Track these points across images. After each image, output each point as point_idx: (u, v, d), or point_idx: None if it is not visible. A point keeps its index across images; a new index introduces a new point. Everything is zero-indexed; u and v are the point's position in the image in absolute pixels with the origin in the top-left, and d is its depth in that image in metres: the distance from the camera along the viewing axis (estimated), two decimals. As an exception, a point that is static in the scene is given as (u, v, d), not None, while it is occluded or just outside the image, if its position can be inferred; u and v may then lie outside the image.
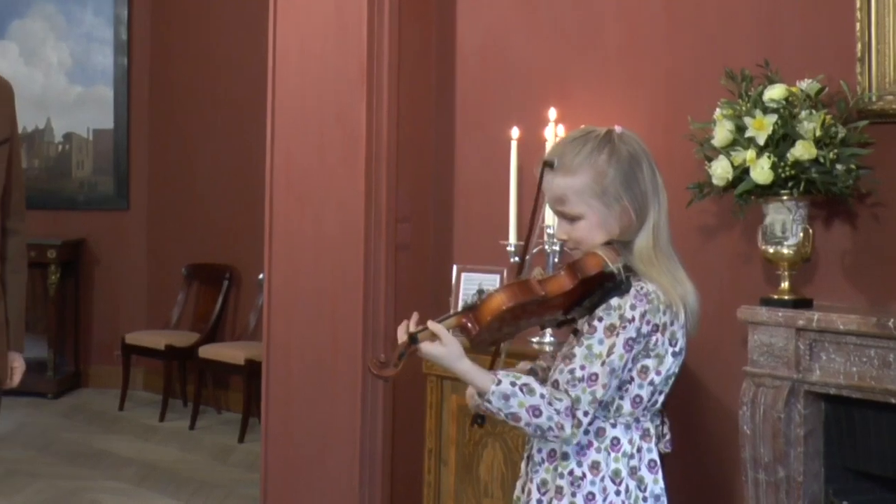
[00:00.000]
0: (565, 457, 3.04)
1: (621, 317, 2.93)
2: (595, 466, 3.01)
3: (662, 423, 3.13)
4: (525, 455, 3.19)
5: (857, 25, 4.60)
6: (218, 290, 9.41)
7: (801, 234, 4.53)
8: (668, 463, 5.17)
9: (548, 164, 3.05)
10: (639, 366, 2.99)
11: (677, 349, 3.04)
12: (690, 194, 4.84)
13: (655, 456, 3.08)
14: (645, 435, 3.05)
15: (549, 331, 4.98)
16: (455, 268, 5.58)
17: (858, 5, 4.60)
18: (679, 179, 5.03)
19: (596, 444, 3.02)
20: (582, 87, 5.58)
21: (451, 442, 5.21)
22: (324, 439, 6.08)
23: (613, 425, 3.02)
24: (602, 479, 3.01)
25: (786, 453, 4.46)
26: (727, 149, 4.61)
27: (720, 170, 4.61)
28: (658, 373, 3.01)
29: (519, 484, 3.21)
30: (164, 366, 9.21)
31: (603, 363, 2.92)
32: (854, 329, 4.24)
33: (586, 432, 3.00)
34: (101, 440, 8.48)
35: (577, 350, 2.95)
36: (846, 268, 4.67)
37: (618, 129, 3.10)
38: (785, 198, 4.52)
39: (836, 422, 4.44)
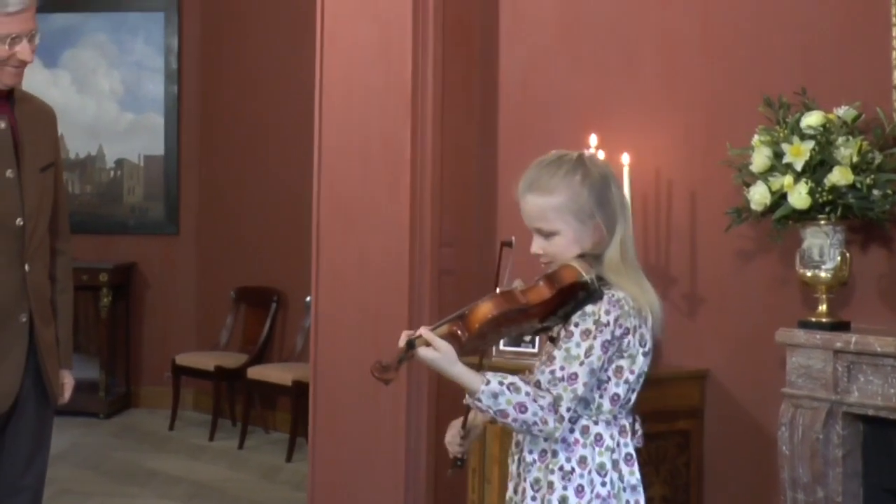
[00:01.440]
0: (555, 454, 3.25)
1: (597, 322, 3.16)
2: (583, 461, 3.23)
3: (634, 420, 3.32)
4: (515, 458, 3.38)
5: (894, 53, 4.64)
6: (266, 313, 9.46)
7: (839, 258, 4.57)
8: (709, 483, 5.25)
9: (506, 244, 3.32)
10: (614, 366, 3.21)
11: (647, 349, 3.25)
12: (729, 219, 4.89)
13: (631, 450, 3.29)
14: (622, 431, 3.27)
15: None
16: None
17: (895, 33, 4.64)
18: (717, 204, 5.11)
19: (582, 440, 3.23)
20: (622, 115, 5.63)
21: (494, 461, 5.26)
22: (369, 458, 6.13)
23: (596, 423, 3.23)
24: (589, 472, 3.23)
25: (824, 474, 4.48)
26: (765, 174, 4.66)
27: (758, 195, 4.65)
28: (632, 372, 3.23)
29: (511, 485, 3.40)
30: (213, 386, 9.27)
31: (581, 363, 3.14)
32: (891, 351, 4.28)
33: (572, 430, 3.22)
34: (152, 459, 8.54)
35: (556, 353, 3.17)
36: (883, 291, 4.70)
37: (587, 152, 3.35)
38: (822, 222, 4.56)
39: (874, 443, 4.47)
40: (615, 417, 3.25)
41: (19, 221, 3.97)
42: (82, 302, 9.57)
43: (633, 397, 3.29)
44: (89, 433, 9.21)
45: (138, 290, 10.35)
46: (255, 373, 8.79)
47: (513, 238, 3.33)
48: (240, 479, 8.10)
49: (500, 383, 3.13)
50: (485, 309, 3.18)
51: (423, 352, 3.16)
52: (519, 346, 5.31)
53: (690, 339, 5.34)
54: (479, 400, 3.14)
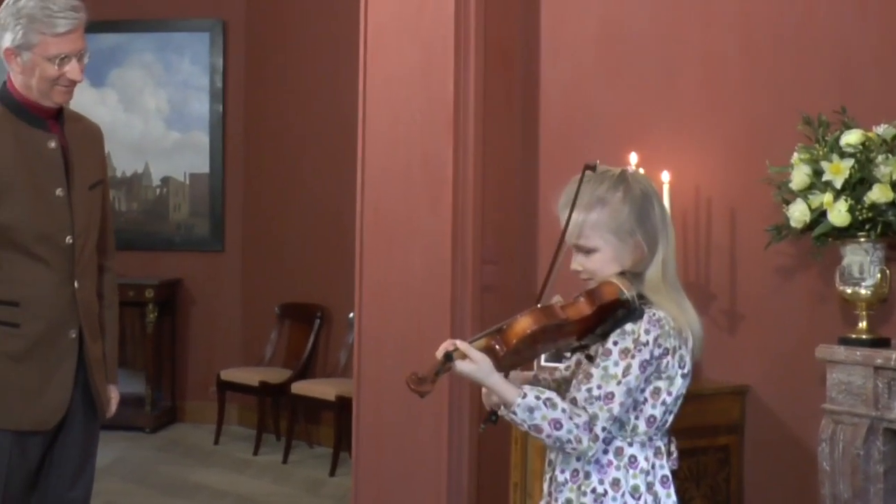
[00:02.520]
0: (588, 475, 3.20)
1: (636, 340, 3.10)
2: (616, 483, 3.18)
3: (670, 441, 3.28)
4: (547, 476, 3.34)
5: (932, 72, 4.68)
6: (310, 329, 9.49)
7: (878, 275, 4.59)
8: (749, 499, 5.27)
9: (590, 168, 3.24)
10: (651, 387, 3.16)
11: (685, 371, 3.19)
12: (768, 236, 4.91)
13: (667, 472, 3.24)
14: (657, 453, 3.22)
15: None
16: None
17: (933, 52, 4.69)
18: (757, 222, 5.13)
19: (615, 462, 3.19)
20: (662, 133, 5.65)
21: (536, 476, 5.26)
22: (412, 472, 6.15)
23: (630, 444, 3.19)
24: (623, 495, 3.18)
25: (865, 490, 4.49)
26: (804, 192, 4.68)
27: (798, 213, 4.67)
28: (669, 393, 3.17)
29: (542, 503, 3.36)
30: (257, 401, 9.31)
31: (619, 383, 3.09)
32: (931, 368, 4.31)
33: (605, 451, 3.18)
34: (197, 473, 8.57)
35: (593, 371, 3.12)
36: (922, 308, 4.73)
37: (630, 169, 3.31)
38: (862, 240, 4.58)
39: (914, 459, 4.49)
40: (650, 439, 3.21)
41: (69, 239, 4.01)
42: (129, 318, 9.64)
43: (670, 419, 3.24)
44: (135, 447, 9.26)
45: (184, 305, 10.41)
46: (299, 388, 8.82)
47: (597, 161, 3.31)
48: (284, 494, 8.12)
49: (537, 398, 3.10)
50: (523, 323, 3.15)
51: (460, 364, 3.14)
52: (560, 361, 5.32)
53: (730, 356, 5.35)
54: (515, 413, 3.11)
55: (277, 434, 9.48)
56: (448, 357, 3.16)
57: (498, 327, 3.21)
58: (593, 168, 3.26)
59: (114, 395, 4.31)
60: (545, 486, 3.36)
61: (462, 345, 3.16)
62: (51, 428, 4.04)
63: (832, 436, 4.58)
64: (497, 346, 3.16)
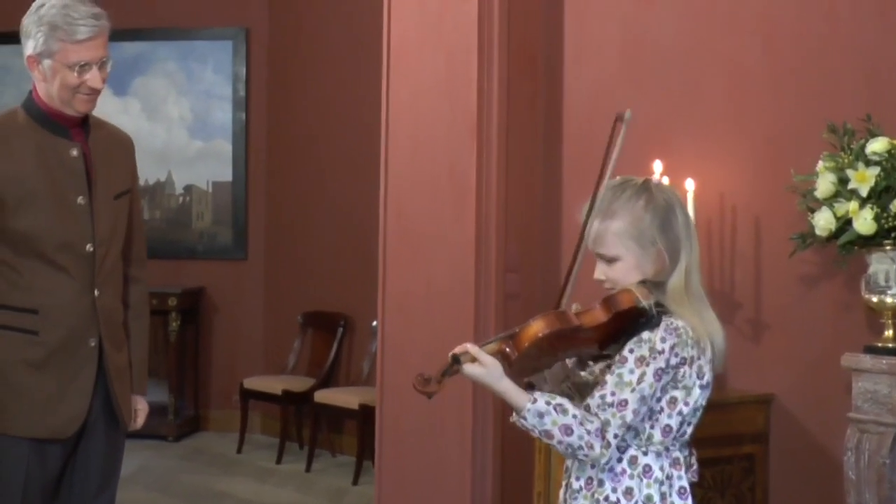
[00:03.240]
0: (601, 483, 3.19)
1: (651, 349, 3.09)
2: (629, 492, 3.16)
3: (690, 453, 3.27)
4: (563, 483, 3.34)
5: (958, 79, 4.66)
6: (333, 337, 9.50)
7: (904, 284, 4.58)
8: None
9: (620, 119, 3.30)
10: (668, 396, 3.14)
11: (704, 382, 3.17)
12: (793, 244, 4.89)
13: (685, 483, 3.22)
14: (675, 463, 3.20)
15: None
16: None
17: (959, 59, 4.67)
18: (782, 230, 5.11)
19: (629, 471, 3.17)
20: (686, 141, 5.65)
21: (559, 485, 5.22)
22: (435, 481, 6.15)
23: (645, 453, 3.17)
24: None
25: (891, 499, 4.46)
26: (830, 200, 4.65)
27: (823, 221, 4.65)
28: (686, 404, 3.15)
29: None
30: (280, 410, 9.32)
31: (633, 390, 3.08)
32: (956, 377, 4.29)
33: (620, 460, 3.17)
34: (220, 482, 8.59)
35: (608, 378, 3.12)
36: (948, 317, 4.70)
37: (654, 178, 3.27)
38: (888, 248, 4.55)
39: (940, 468, 4.47)
40: (667, 449, 3.19)
41: (89, 247, 4.01)
42: (151, 326, 9.47)
43: (690, 430, 3.22)
44: (158, 456, 9.29)
45: (207, 314, 10.43)
46: (323, 396, 8.84)
47: (628, 111, 3.30)
48: (307, 502, 8.13)
49: (548, 403, 3.10)
50: (535, 327, 3.15)
51: (468, 367, 3.15)
52: (584, 370, 5.32)
53: (755, 364, 5.34)
54: (525, 418, 3.11)
55: (300, 443, 9.49)
56: (455, 359, 3.17)
57: (511, 332, 3.22)
58: (622, 119, 3.25)
59: (141, 407, 4.31)
60: (561, 493, 3.37)
61: (473, 348, 3.17)
62: (69, 436, 4.03)
63: (858, 445, 4.56)
64: (508, 350, 3.17)
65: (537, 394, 3.14)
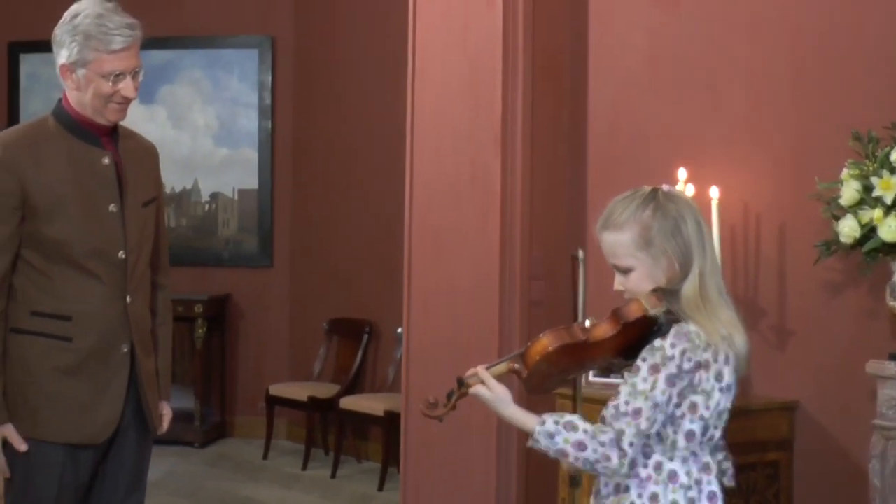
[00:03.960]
0: (626, 489, 3.21)
1: (663, 356, 3.11)
2: (654, 498, 3.18)
3: (726, 457, 3.29)
4: (593, 491, 3.35)
5: (982, 86, 4.66)
6: (358, 344, 9.50)
7: (929, 291, 4.58)
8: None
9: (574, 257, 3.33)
10: (688, 402, 3.15)
11: (724, 385, 3.18)
12: (818, 252, 4.89)
13: (716, 488, 3.23)
14: (704, 468, 3.21)
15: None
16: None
17: (983, 66, 4.66)
18: (806, 237, 5.12)
19: (654, 476, 3.18)
20: (710, 148, 5.65)
21: (584, 491, 5.20)
22: (460, 487, 6.16)
23: (671, 459, 3.18)
24: None
25: (916, 506, 4.50)
26: (854, 208, 4.65)
27: (847, 228, 4.64)
28: (707, 408, 3.16)
29: None
30: (306, 416, 9.33)
31: (646, 398, 3.10)
32: (982, 383, 4.29)
33: (645, 466, 3.18)
34: (246, 488, 8.59)
35: (622, 388, 3.15)
36: (973, 323, 4.71)
37: (665, 187, 3.29)
38: (912, 255, 4.58)
39: (965, 474, 4.47)
40: (694, 454, 3.20)
41: (121, 254, 4.03)
42: (177, 333, 9.64)
43: (717, 434, 3.23)
44: (184, 462, 9.30)
45: (233, 321, 10.45)
46: (348, 403, 8.84)
47: (580, 251, 3.35)
48: (332, 509, 8.17)
49: (556, 423, 3.15)
50: (542, 343, 3.22)
51: (476, 389, 3.24)
52: (608, 376, 5.34)
53: (779, 371, 5.34)
54: (537, 441, 3.17)
55: (326, 449, 9.50)
56: (461, 383, 3.24)
57: (521, 350, 3.28)
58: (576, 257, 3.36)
59: (166, 412, 4.33)
60: (591, 499, 3.38)
61: (481, 371, 3.25)
62: (102, 442, 4.06)
63: (883, 452, 4.56)
64: (518, 368, 3.24)
65: (545, 415, 3.19)
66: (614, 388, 5.04)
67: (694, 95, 5.78)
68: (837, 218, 4.74)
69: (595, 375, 5.36)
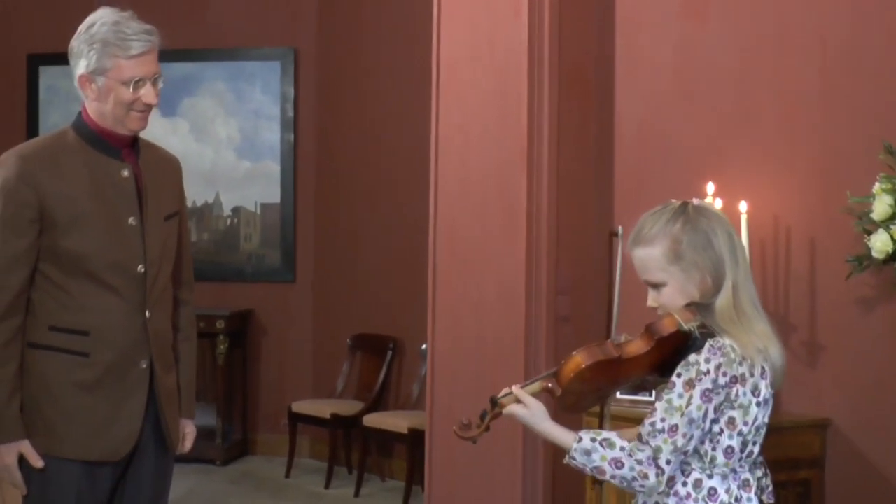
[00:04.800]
0: None
1: (697, 371, 3.10)
2: None
3: (765, 474, 3.28)
4: None
5: None
6: (382, 360, 9.49)
7: (963, 307, 4.54)
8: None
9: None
10: (726, 417, 3.14)
11: (761, 399, 3.17)
12: (849, 267, 4.88)
13: None
14: (744, 485, 3.20)
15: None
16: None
17: None
18: (837, 252, 5.09)
19: (694, 494, 3.17)
20: (739, 162, 5.65)
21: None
22: (486, 507, 6.17)
23: (710, 476, 3.17)
24: None
25: (950, 526, 4.44)
26: (886, 222, 4.64)
27: (879, 243, 4.64)
28: (745, 423, 3.16)
29: None
30: (329, 434, 9.31)
31: (682, 414, 3.09)
32: None
33: (684, 483, 3.17)
34: (268, 507, 8.62)
35: (657, 404, 3.14)
36: None
37: (695, 201, 3.29)
38: (945, 270, 4.53)
39: None
40: (734, 471, 3.19)
41: (141, 268, 4.01)
42: (199, 349, 9.44)
43: (756, 450, 3.22)
44: (206, 480, 9.30)
45: (255, 337, 10.45)
46: (371, 420, 8.84)
47: (619, 228, 3.34)
48: (356, 527, 8.15)
49: (593, 440, 3.14)
50: (576, 361, 3.21)
51: (512, 408, 3.23)
52: (636, 394, 5.30)
53: (811, 388, 5.33)
54: (573, 458, 3.16)
55: (349, 467, 9.50)
56: (493, 403, 3.24)
57: (554, 369, 3.27)
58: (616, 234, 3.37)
59: (189, 431, 4.30)
60: None
61: (516, 390, 3.24)
62: (120, 459, 4.03)
63: (917, 470, 4.51)
64: (551, 386, 3.23)
65: (582, 432, 3.19)
66: (643, 406, 5.07)
67: (722, 108, 5.77)
68: (869, 232, 4.73)
69: (622, 393, 5.32)
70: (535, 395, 3.25)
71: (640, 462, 3.10)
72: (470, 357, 6.24)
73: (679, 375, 3.13)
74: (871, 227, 4.74)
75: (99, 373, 3.95)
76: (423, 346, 7.26)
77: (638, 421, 3.30)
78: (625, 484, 3.14)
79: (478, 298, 6.24)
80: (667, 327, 3.18)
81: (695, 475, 3.18)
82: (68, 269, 3.94)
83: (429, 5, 6.60)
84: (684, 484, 3.18)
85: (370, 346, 9.70)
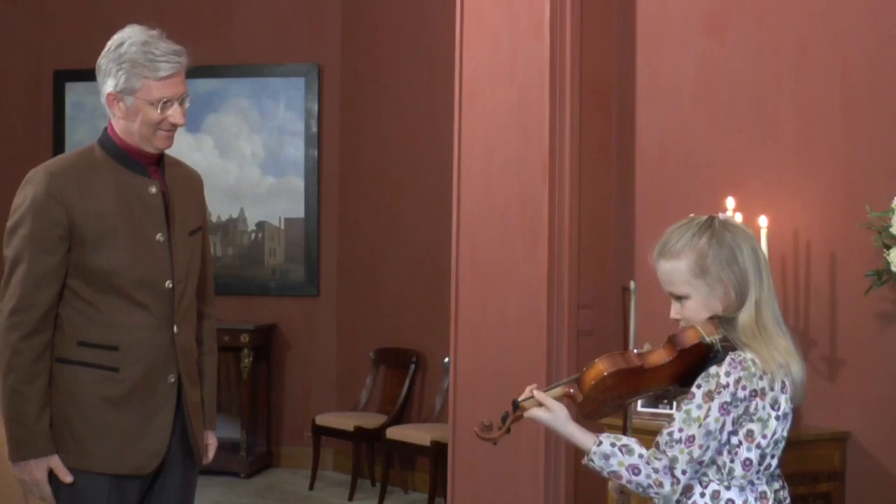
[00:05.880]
0: None
1: (717, 383, 3.14)
2: None
3: (782, 486, 3.30)
4: None
5: None
6: (405, 374, 9.52)
7: (982, 320, 4.55)
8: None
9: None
10: (744, 430, 3.18)
11: (781, 413, 3.21)
12: (869, 281, 4.88)
13: None
14: (761, 497, 3.22)
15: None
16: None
17: None
18: (857, 267, 5.10)
19: None
20: (759, 177, 5.65)
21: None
22: (508, 520, 6.18)
23: (728, 488, 3.21)
24: None
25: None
26: (906, 237, 4.65)
27: (899, 257, 4.64)
28: (764, 436, 3.19)
29: None
30: (352, 447, 9.33)
31: (700, 425, 3.13)
32: None
33: (702, 495, 3.21)
34: (292, 519, 8.66)
35: (676, 415, 3.18)
36: None
37: (721, 215, 3.33)
38: (965, 285, 4.54)
39: None
40: (751, 483, 3.22)
41: (168, 284, 4.03)
42: (224, 362, 9.71)
43: (774, 462, 3.25)
44: (231, 492, 9.31)
45: (279, 350, 10.48)
46: (395, 433, 8.85)
47: (632, 283, 3.38)
48: (379, 539, 8.16)
49: (612, 444, 3.18)
50: (598, 368, 3.25)
51: (534, 411, 3.27)
52: (656, 407, 5.33)
53: (831, 402, 5.32)
54: (592, 461, 3.20)
55: (372, 479, 9.52)
56: (515, 405, 3.27)
57: (575, 375, 3.31)
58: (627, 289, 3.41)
59: (212, 442, 4.33)
60: None
61: (538, 393, 3.28)
62: (149, 472, 4.05)
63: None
64: (573, 392, 3.27)
65: (603, 436, 3.22)
66: (663, 418, 5.10)
67: (742, 124, 5.78)
68: (889, 247, 4.73)
69: (643, 405, 5.35)
70: (556, 399, 3.28)
71: (656, 470, 3.14)
72: (492, 371, 6.26)
73: (699, 387, 3.17)
74: (890, 242, 4.74)
75: (128, 388, 3.97)
76: (446, 360, 7.29)
77: (656, 434, 3.31)
78: (640, 490, 3.18)
79: (500, 312, 6.26)
80: (690, 339, 3.22)
81: (713, 486, 3.21)
82: (97, 285, 3.96)
83: (451, 23, 6.64)
84: (702, 495, 3.21)
85: (393, 359, 9.73)
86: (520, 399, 3.29)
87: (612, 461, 3.17)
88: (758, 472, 3.21)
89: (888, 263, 4.72)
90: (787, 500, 3.31)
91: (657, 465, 3.14)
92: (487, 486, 6.27)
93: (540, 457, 5.99)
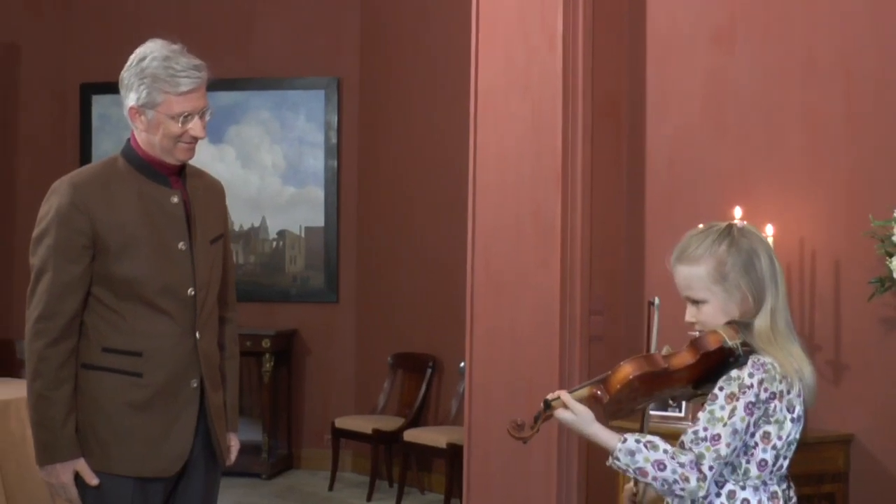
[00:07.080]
0: None
1: (741, 385, 3.19)
2: None
3: (789, 486, 3.34)
4: None
5: None
6: (421, 378, 9.56)
7: (982, 326, 4.61)
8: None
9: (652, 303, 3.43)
10: (761, 431, 3.23)
11: (795, 415, 3.26)
12: (872, 288, 4.93)
13: None
14: (773, 497, 3.27)
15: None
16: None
17: None
18: (860, 274, 5.14)
19: None
20: (766, 187, 5.70)
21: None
22: (522, 521, 6.24)
23: (743, 488, 3.25)
24: None
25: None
26: (908, 245, 4.71)
27: (901, 265, 4.70)
28: (780, 438, 3.24)
29: None
30: (371, 449, 9.36)
31: (725, 424, 3.16)
32: None
33: (718, 495, 3.25)
34: (312, 520, 8.67)
35: (700, 415, 3.22)
36: None
37: (738, 223, 3.40)
38: (965, 291, 4.60)
39: None
40: (764, 483, 3.26)
41: (191, 291, 4.07)
42: (246, 367, 9.75)
43: (786, 464, 3.30)
44: (252, 493, 9.37)
45: (299, 355, 10.55)
46: (412, 435, 8.91)
47: (656, 298, 3.46)
48: (397, 540, 8.19)
49: (637, 441, 3.20)
50: (625, 370, 3.28)
51: (560, 413, 3.28)
52: (665, 410, 5.38)
53: (835, 405, 5.36)
54: (618, 459, 3.21)
55: (390, 480, 9.55)
56: (546, 405, 3.29)
57: (602, 376, 3.33)
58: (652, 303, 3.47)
59: (234, 444, 4.36)
60: None
61: (565, 395, 3.29)
62: (172, 475, 4.09)
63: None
64: (599, 393, 3.29)
65: (627, 434, 3.24)
66: (672, 421, 5.18)
67: (750, 135, 5.83)
68: (891, 255, 4.77)
69: (653, 408, 5.40)
70: (582, 399, 3.30)
71: (682, 465, 3.16)
72: (506, 375, 6.30)
73: (721, 389, 3.21)
74: (892, 250, 4.78)
75: (151, 393, 4.01)
76: (461, 365, 7.33)
77: (667, 436, 3.38)
78: (665, 487, 3.19)
79: (514, 318, 6.31)
80: (712, 343, 3.26)
81: (728, 486, 3.26)
82: (121, 293, 3.99)
83: (466, 38, 6.69)
84: (718, 495, 3.26)
85: (410, 364, 9.77)
86: (550, 399, 3.32)
87: (638, 457, 3.18)
88: (771, 472, 3.26)
89: (891, 271, 4.76)
90: (794, 500, 3.35)
91: (683, 459, 3.16)
92: (502, 486, 6.32)
93: (553, 459, 6.05)
